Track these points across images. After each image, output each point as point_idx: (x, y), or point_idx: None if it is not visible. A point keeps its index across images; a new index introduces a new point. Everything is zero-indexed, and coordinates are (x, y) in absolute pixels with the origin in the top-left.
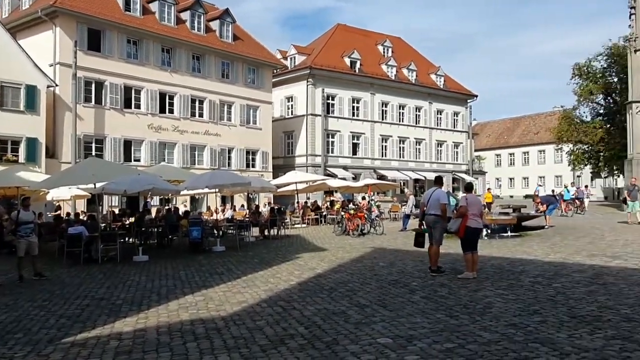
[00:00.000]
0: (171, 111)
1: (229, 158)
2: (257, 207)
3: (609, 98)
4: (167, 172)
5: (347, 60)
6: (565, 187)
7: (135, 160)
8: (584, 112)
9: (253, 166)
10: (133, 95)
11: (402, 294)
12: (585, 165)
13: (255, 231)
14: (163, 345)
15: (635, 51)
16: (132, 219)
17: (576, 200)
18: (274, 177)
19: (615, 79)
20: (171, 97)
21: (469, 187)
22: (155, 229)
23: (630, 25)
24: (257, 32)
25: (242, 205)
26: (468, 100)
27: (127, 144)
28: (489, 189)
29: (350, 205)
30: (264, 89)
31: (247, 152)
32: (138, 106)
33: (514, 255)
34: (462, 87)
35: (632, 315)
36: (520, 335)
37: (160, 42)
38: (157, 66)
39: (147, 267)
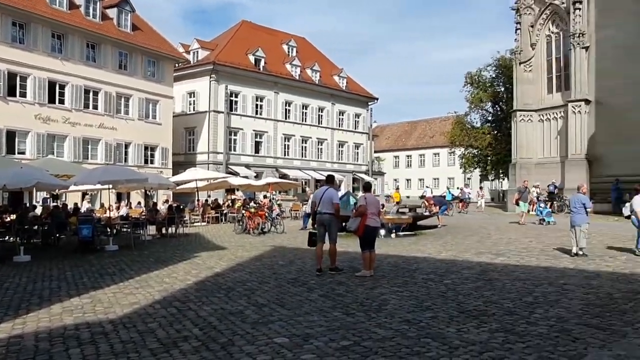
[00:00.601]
0: (62, 101)
1: (126, 153)
2: (155, 204)
3: (496, 106)
4: (54, 165)
5: (252, 58)
6: (448, 188)
7: (19, 153)
8: (475, 119)
9: (152, 162)
10: (18, 82)
11: (300, 293)
12: (475, 168)
13: (152, 229)
14: (42, 353)
15: (520, 63)
16: (13, 216)
17: (460, 201)
18: (174, 174)
19: (502, 89)
20: (62, 87)
21: (367, 187)
22: (41, 227)
23: (516, 39)
24: (159, 24)
25: (139, 203)
26: (369, 103)
27: (10, 135)
28: (397, 188)
29: (252, 204)
30: (164, 83)
31: (146, 148)
32: (24, 94)
33: (409, 253)
34: (363, 90)
35: (514, 309)
36: (413, 331)
37: (50, 26)
38: (46, 52)
39: (29, 268)
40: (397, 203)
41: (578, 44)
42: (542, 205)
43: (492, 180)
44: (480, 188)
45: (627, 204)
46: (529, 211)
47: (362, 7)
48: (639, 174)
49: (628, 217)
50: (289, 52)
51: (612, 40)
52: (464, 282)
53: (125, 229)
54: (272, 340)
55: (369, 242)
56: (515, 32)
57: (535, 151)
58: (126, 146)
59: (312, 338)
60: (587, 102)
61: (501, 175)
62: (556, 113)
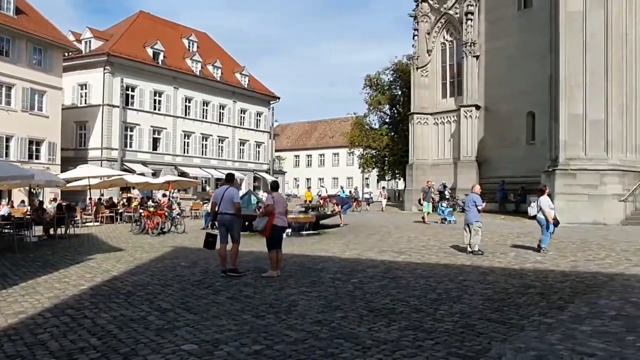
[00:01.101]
0: None
1: (7, 147)
2: (41, 203)
3: (394, 108)
4: None
5: (150, 51)
6: (342, 188)
7: None
8: (373, 120)
9: (37, 158)
10: None
11: (206, 295)
12: (373, 168)
13: (38, 230)
14: None
15: (417, 68)
16: None
17: (354, 200)
18: (62, 170)
19: (400, 92)
20: None
21: (274, 186)
22: None
23: (413, 45)
24: (47, 11)
25: (22, 202)
26: (271, 102)
27: None
28: (309, 187)
29: (150, 203)
30: (52, 73)
31: (31, 142)
32: None
33: (314, 252)
34: (265, 89)
35: (420, 306)
36: (325, 332)
37: None
38: None
39: None
40: (309, 202)
41: (470, 52)
42: (444, 204)
43: (389, 180)
44: (383, 188)
45: (533, 204)
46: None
47: (265, 6)
48: (520, 175)
49: (533, 217)
50: (189, 46)
51: (500, 51)
52: (370, 281)
53: (6, 230)
54: (180, 347)
55: (276, 242)
56: (413, 39)
57: (430, 152)
58: (7, 140)
59: (222, 343)
60: (478, 107)
61: (397, 175)
62: (450, 117)
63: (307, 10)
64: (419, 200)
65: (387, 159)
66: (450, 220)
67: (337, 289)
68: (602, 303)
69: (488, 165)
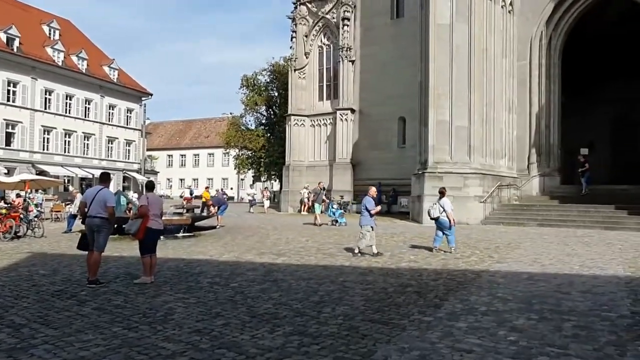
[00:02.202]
0: None
1: None
2: None
3: (270, 110)
4: None
5: (3, 36)
6: (207, 188)
7: None
8: (250, 121)
9: None
10: None
11: (69, 307)
12: (249, 169)
13: None
14: None
15: (295, 70)
16: None
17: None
18: None
19: (276, 93)
20: None
21: (150, 186)
22: None
23: (291, 47)
24: None
25: None
26: (142, 98)
27: None
28: (207, 187)
29: (1, 204)
30: None
31: None
32: None
33: (190, 256)
34: (136, 84)
35: (303, 309)
36: (205, 341)
37: None
38: None
39: None
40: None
41: (346, 57)
42: (335, 206)
43: (264, 181)
44: (266, 189)
45: (435, 206)
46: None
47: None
48: (392, 177)
49: (435, 219)
50: (50, 34)
51: (374, 57)
52: (250, 285)
53: None
54: None
55: (150, 246)
56: (291, 40)
57: (307, 154)
58: None
59: None
60: (353, 111)
61: (274, 176)
62: (326, 119)
63: (183, 4)
64: (312, 202)
65: (263, 160)
66: (341, 222)
67: (217, 294)
68: (473, 299)
69: (362, 168)
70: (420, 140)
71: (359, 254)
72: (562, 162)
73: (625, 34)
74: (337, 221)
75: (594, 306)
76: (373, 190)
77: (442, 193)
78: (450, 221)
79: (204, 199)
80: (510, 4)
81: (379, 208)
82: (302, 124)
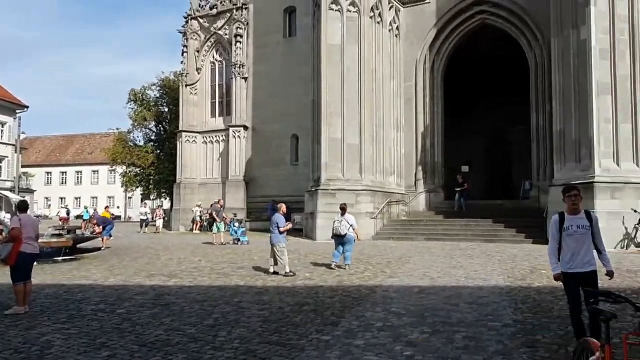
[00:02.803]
0: None
1: None
2: None
3: (160, 126)
4: None
5: None
6: (85, 208)
7: None
8: (138, 137)
9: None
10: None
11: None
12: (137, 187)
13: None
14: None
15: (186, 86)
16: None
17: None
18: None
19: (166, 109)
20: None
21: (22, 206)
22: None
23: (182, 62)
24: None
25: None
26: (17, 111)
27: None
28: (106, 207)
29: None
30: None
31: None
32: None
33: (71, 281)
34: (10, 95)
35: (197, 334)
36: None
37: None
38: None
39: None
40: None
41: (238, 74)
42: (236, 224)
43: (153, 199)
44: (159, 207)
45: (342, 222)
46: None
47: (12, 2)
48: (285, 195)
49: (342, 236)
50: None
51: (267, 74)
52: (139, 310)
53: None
54: None
55: (23, 272)
56: (182, 55)
57: (199, 171)
58: None
59: None
60: (246, 128)
61: (163, 194)
62: (219, 136)
63: (67, 14)
64: (211, 220)
65: (152, 177)
66: (243, 241)
67: (101, 322)
68: (368, 315)
69: (255, 185)
70: (314, 158)
71: (292, 274)
72: (445, 179)
73: (499, 59)
74: (239, 239)
75: (480, 316)
76: (284, 207)
77: (343, 209)
78: (356, 237)
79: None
80: (397, 28)
81: (289, 226)
82: (194, 140)
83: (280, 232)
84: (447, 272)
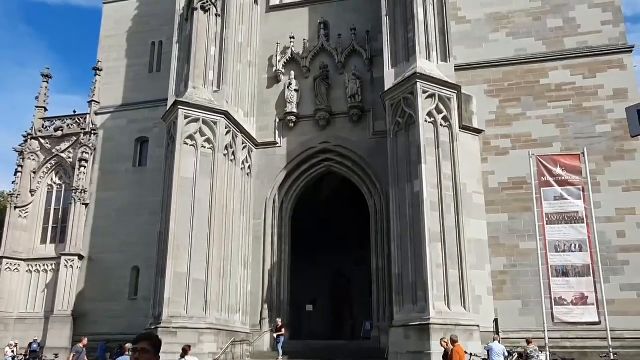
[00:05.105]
0: None
1: None
2: None
3: None
4: None
5: None
6: None
7: None
8: None
9: None
10: None
11: None
12: None
13: None
14: None
15: (16, 208)
16: None
17: None
18: None
19: None
20: None
21: None
22: None
23: (15, 182)
24: None
25: None
26: None
27: None
28: None
29: None
30: None
31: None
32: None
33: None
34: None
35: None
36: None
37: None
38: None
39: None
40: None
41: (79, 199)
42: None
43: None
44: None
45: None
46: None
47: None
48: (119, 332)
49: None
50: None
51: (112, 202)
52: None
53: None
54: None
55: None
56: (15, 175)
57: (18, 304)
58: None
59: None
60: (81, 257)
61: None
62: (47, 265)
63: None
64: None
65: None
66: None
67: None
68: None
69: (86, 321)
70: (156, 293)
71: None
72: (290, 319)
73: (344, 201)
74: None
75: None
76: (85, 341)
77: (185, 351)
78: None
79: None
80: (249, 167)
81: None
82: (17, 268)
83: None
84: None
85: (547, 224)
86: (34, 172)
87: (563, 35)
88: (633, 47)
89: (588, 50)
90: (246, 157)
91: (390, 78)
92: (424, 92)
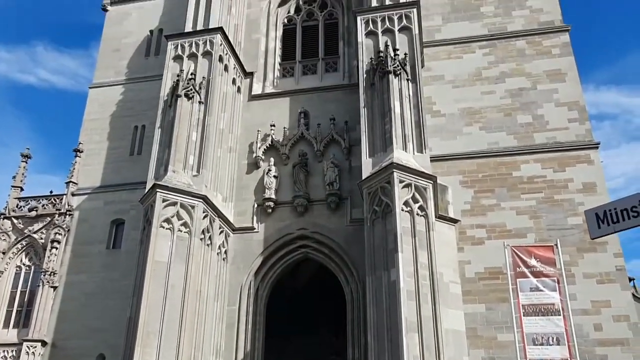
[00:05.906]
0: None
1: None
2: None
3: None
4: None
5: None
6: None
7: None
8: None
9: None
10: None
11: None
12: None
13: None
14: None
15: None
16: None
17: None
18: None
19: None
20: None
21: None
22: None
23: None
24: None
25: None
26: None
27: None
28: None
29: None
30: None
31: None
32: None
33: None
34: None
35: None
36: None
37: None
38: None
39: None
40: None
41: (48, 282)
42: None
43: None
44: None
45: None
46: None
47: None
48: None
49: None
50: None
51: (82, 285)
52: None
53: None
54: None
55: None
56: None
57: None
58: None
59: None
60: (44, 343)
61: None
62: (8, 352)
63: None
64: None
65: None
66: None
67: None
68: None
69: None
70: None
71: None
72: None
73: (321, 288)
74: None
75: None
76: None
77: None
78: None
79: None
80: (225, 252)
81: None
82: None
83: None
84: None
85: (524, 315)
86: (3, 253)
87: (533, 131)
88: (599, 144)
89: (557, 146)
90: (223, 241)
91: (367, 167)
92: (401, 181)
